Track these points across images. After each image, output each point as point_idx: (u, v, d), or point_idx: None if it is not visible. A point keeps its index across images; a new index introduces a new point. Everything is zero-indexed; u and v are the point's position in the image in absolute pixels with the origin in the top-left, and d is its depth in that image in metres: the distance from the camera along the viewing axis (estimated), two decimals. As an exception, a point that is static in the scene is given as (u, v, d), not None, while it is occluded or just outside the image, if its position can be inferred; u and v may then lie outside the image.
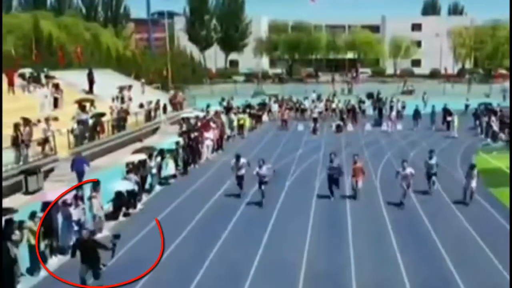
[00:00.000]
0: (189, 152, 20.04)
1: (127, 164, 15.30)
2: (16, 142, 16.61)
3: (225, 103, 36.26)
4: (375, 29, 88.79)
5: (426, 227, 13.80)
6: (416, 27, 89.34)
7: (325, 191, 16.85)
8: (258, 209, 15.61)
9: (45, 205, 11.08)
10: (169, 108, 33.75)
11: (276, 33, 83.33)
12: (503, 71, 74.48)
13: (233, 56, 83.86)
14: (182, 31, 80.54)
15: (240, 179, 16.90)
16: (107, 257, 10.32)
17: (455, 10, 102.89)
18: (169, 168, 18.56)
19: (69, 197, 11.71)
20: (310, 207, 15.72)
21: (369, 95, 40.27)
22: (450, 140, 27.60)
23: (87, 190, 12.75)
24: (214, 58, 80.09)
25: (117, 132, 24.49)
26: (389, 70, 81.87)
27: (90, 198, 12.44)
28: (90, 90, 29.93)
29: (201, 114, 28.24)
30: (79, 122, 21.20)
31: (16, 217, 10.58)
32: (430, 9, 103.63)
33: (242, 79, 74.54)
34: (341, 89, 54.38)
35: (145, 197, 16.42)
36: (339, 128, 31.13)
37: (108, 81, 33.69)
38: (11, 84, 23.92)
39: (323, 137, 29.34)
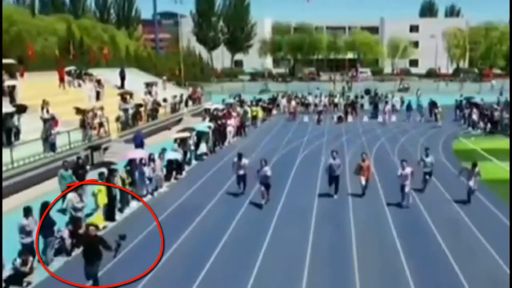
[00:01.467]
0: (217, 135, 24.29)
1: (175, 140, 19.53)
2: (83, 125, 20.86)
3: (236, 98, 40.57)
4: (374, 30, 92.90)
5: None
6: (414, 28, 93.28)
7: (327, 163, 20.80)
8: (280, 175, 19.39)
9: (130, 162, 15.38)
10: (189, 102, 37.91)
11: (279, 34, 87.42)
12: (498, 71, 78.79)
13: (237, 56, 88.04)
14: (190, 32, 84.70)
15: (240, 179, 16.80)
16: (109, 256, 10.29)
17: (452, 12, 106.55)
18: (202, 147, 22.78)
19: (144, 158, 15.99)
20: (317, 177, 19.77)
21: (367, 91, 44.60)
22: (436, 129, 31.79)
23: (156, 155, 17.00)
24: (222, 58, 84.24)
25: (151, 120, 28.71)
26: (388, 70, 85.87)
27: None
28: (122, 86, 34.02)
29: (220, 107, 32.42)
30: (124, 110, 25.48)
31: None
32: (428, 11, 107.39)
33: (247, 78, 78.71)
34: (341, 87, 58.49)
35: (186, 168, 20.61)
36: (340, 119, 35.36)
37: (134, 78, 37.80)
38: (62, 80, 28.11)
39: (326, 127, 33.54)
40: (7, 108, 18.65)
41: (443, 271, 11.02)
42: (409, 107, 36.65)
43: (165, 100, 34.21)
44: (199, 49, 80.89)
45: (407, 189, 15.43)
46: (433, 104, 35.16)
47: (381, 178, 18.82)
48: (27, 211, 10.58)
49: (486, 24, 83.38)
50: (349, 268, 11.26)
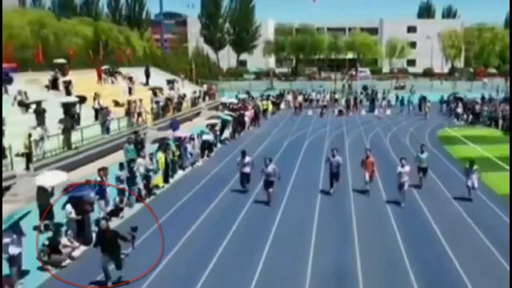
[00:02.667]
0: (236, 124, 28.63)
1: (207, 125, 23.89)
2: (128, 113, 25.20)
3: (247, 94, 44.95)
4: (373, 31, 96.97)
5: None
6: (412, 29, 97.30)
7: (330, 145, 25.10)
8: (291, 154, 23.72)
9: (178, 139, 19.71)
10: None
11: (282, 35, 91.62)
12: (493, 70, 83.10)
13: (242, 56, 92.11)
14: (196, 33, 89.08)
15: (244, 177, 16.88)
16: (128, 247, 10.65)
17: (449, 13, 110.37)
18: (225, 133, 27.10)
19: (187, 137, 20.34)
20: (322, 154, 24.04)
21: (364, 87, 49.05)
22: (424, 121, 36.14)
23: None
24: (228, 58, 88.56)
25: (177, 112, 33.06)
26: (386, 69, 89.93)
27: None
28: (147, 82, 38.34)
29: (235, 101, 36.76)
30: (156, 103, 29.84)
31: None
32: (425, 12, 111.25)
33: (252, 77, 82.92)
34: (342, 85, 62.85)
35: (214, 149, 24.91)
36: (340, 113, 39.75)
37: (154, 76, 42.14)
38: (100, 77, 32.42)
39: (328, 119, 37.87)
40: (71, 98, 23.00)
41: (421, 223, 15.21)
42: (402, 102, 41.19)
43: (184, 95, 38.54)
44: (206, 49, 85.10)
45: (406, 186, 15.54)
46: (423, 99, 39.50)
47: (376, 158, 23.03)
48: (121, 166, 14.90)
49: (479, 25, 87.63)
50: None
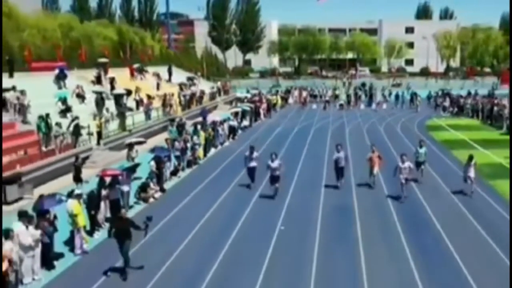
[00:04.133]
0: (254, 114, 33.55)
1: (231, 113, 28.82)
2: (164, 104, 30.08)
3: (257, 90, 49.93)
4: (373, 32, 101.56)
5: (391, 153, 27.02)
6: (410, 30, 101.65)
7: (333, 132, 29.94)
8: (301, 140, 28.58)
9: (213, 122, 24.59)
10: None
11: (286, 36, 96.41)
12: (488, 69, 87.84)
13: (247, 56, 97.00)
14: (200, 34, 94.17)
15: (251, 171, 17.31)
16: (140, 236, 11.16)
17: (446, 15, 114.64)
18: (244, 121, 32.00)
19: (218, 121, 25.19)
20: (327, 138, 28.90)
21: (363, 84, 53.99)
22: (415, 113, 41.02)
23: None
24: (234, 57, 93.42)
25: (199, 105, 37.95)
26: (385, 69, 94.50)
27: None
28: (169, 79, 43.19)
29: (249, 95, 41.68)
30: (183, 96, 34.74)
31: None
32: (423, 13, 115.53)
33: (257, 75, 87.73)
34: (342, 83, 67.70)
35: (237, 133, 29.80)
36: (341, 106, 44.63)
37: (175, 74, 46.98)
38: (132, 74, 37.27)
39: (330, 112, 42.76)
40: (120, 91, 27.97)
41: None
42: (396, 97, 46.14)
43: (203, 91, 43.40)
44: (214, 49, 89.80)
45: (406, 182, 15.96)
46: (414, 95, 44.43)
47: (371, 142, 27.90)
48: (175, 140, 19.80)
49: (473, 26, 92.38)
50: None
